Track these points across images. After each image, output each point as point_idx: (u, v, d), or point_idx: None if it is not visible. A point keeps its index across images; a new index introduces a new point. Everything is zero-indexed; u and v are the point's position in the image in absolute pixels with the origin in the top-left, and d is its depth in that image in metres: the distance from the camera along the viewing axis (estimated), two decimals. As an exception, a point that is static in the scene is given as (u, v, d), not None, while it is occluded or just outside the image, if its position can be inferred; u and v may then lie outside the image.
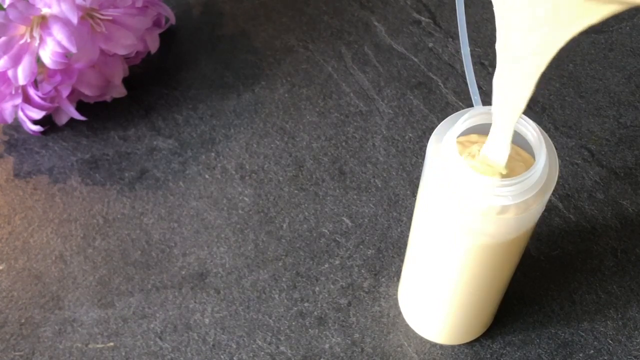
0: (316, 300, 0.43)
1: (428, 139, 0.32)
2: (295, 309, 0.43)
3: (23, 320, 0.43)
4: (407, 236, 0.40)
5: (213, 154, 0.49)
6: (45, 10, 0.43)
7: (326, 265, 0.45)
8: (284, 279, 0.44)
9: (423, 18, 0.56)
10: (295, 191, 0.48)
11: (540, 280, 0.44)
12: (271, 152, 0.49)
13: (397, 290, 0.43)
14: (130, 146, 0.50)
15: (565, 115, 0.51)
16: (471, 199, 0.30)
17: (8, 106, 0.47)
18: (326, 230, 0.46)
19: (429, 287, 0.38)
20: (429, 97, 0.52)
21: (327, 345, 0.42)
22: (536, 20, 0.25)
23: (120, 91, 0.51)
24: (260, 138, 0.50)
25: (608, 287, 0.44)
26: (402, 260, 0.44)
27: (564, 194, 0.47)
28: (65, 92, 0.47)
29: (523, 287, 0.43)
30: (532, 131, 0.30)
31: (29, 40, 0.44)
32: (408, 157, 0.49)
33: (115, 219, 0.47)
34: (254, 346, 0.42)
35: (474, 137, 0.32)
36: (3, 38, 0.42)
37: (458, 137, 0.31)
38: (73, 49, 0.43)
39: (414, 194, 0.47)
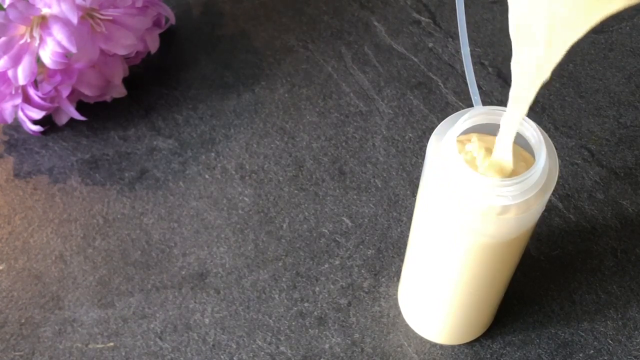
0: (316, 300, 0.43)
1: (428, 139, 0.32)
2: (295, 309, 0.43)
3: (23, 320, 0.43)
4: (407, 236, 0.40)
5: (213, 154, 0.49)
6: (45, 10, 0.43)
7: (326, 265, 0.45)
8: (284, 279, 0.44)
9: (423, 18, 0.56)
10: (295, 191, 0.48)
11: (540, 280, 0.44)
12: (271, 152, 0.49)
13: (397, 290, 0.43)
14: (130, 146, 0.50)
15: (565, 115, 0.51)
16: (471, 199, 0.30)
17: (8, 106, 0.47)
18: (326, 230, 0.46)
19: (429, 287, 0.38)
20: (429, 97, 0.52)
21: (327, 346, 0.42)
22: None
23: (120, 91, 0.51)
24: (260, 138, 0.50)
25: (608, 287, 0.44)
26: (402, 260, 0.44)
27: (564, 194, 0.47)
28: (65, 92, 0.47)
29: (523, 287, 0.43)
30: (532, 131, 0.30)
31: (29, 40, 0.44)
32: (408, 157, 0.49)
33: (115, 219, 0.47)
34: (254, 346, 0.42)
35: (474, 136, 0.32)
36: (3, 38, 0.42)
37: (458, 136, 0.31)
38: (73, 49, 0.43)
39: (414, 194, 0.47)
